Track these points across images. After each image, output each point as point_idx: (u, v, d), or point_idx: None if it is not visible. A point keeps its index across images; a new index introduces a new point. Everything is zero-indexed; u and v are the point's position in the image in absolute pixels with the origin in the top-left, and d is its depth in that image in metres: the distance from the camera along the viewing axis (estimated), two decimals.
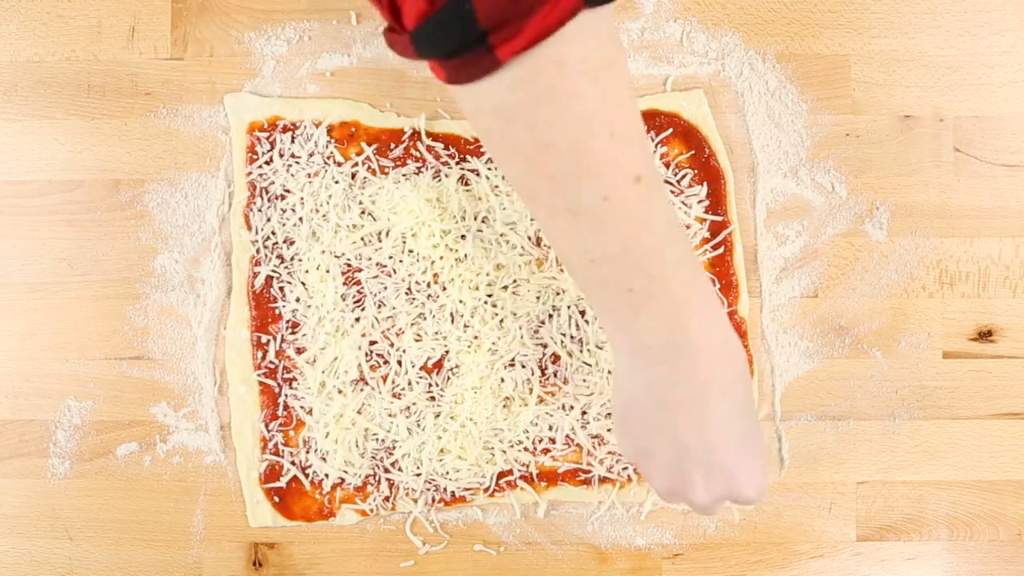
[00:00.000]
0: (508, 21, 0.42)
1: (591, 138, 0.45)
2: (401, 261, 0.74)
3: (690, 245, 0.53)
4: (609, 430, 0.74)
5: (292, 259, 0.75)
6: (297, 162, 0.75)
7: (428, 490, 0.74)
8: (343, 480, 0.74)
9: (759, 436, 0.57)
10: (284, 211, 0.75)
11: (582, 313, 0.74)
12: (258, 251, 0.75)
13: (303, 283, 0.75)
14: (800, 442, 0.75)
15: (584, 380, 0.74)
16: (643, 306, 0.51)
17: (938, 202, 0.76)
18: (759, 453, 0.56)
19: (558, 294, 0.74)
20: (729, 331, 0.54)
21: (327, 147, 0.75)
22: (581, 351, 0.74)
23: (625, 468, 0.74)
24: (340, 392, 0.74)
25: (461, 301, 0.74)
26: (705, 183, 0.75)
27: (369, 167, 0.75)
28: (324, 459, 0.74)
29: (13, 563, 0.76)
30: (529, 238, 0.74)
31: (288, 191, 0.75)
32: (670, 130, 0.75)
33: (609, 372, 0.74)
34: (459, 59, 0.44)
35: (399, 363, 0.74)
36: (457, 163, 0.75)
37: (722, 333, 0.54)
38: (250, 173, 0.75)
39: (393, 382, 0.74)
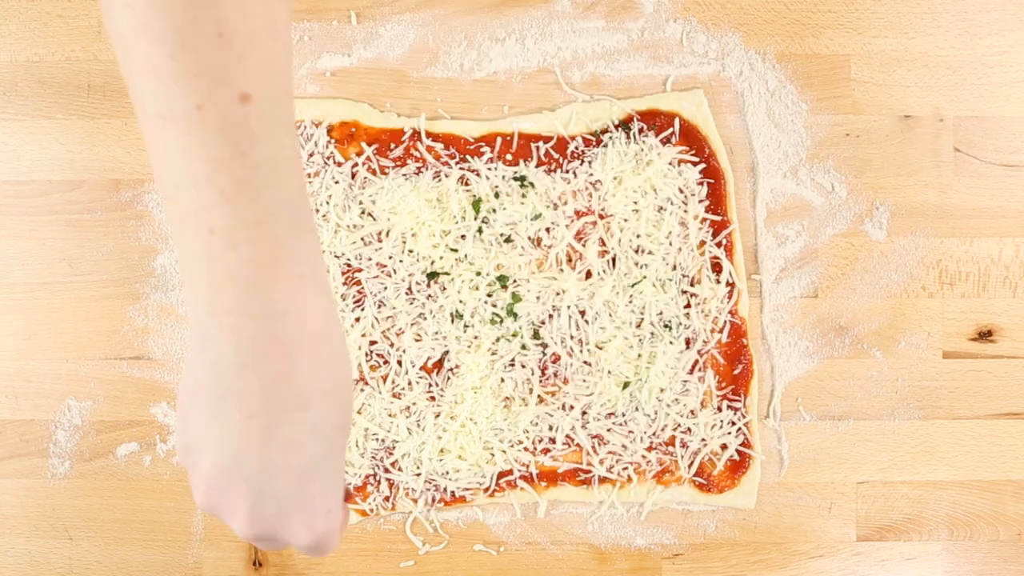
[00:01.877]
0: None
1: (194, 31, 0.38)
2: (401, 261, 0.74)
3: (307, 203, 0.43)
4: (609, 430, 0.74)
5: None
6: None
7: (428, 490, 0.74)
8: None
9: (336, 471, 0.45)
10: None
11: (582, 313, 0.74)
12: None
13: None
14: (800, 442, 0.75)
15: (584, 380, 0.74)
16: (221, 256, 0.40)
17: (938, 202, 0.76)
18: (328, 492, 0.44)
19: (558, 294, 0.74)
20: (333, 326, 0.43)
21: (327, 147, 0.75)
22: (581, 351, 0.74)
23: (625, 468, 0.74)
24: None
25: (461, 301, 0.74)
26: (705, 183, 0.75)
27: (369, 167, 0.75)
28: None
29: (13, 563, 0.76)
30: (529, 238, 0.74)
31: None
32: (670, 130, 0.75)
33: (609, 372, 0.74)
34: None
35: (399, 363, 0.74)
36: (457, 163, 0.75)
37: (321, 322, 0.42)
38: None
39: (393, 382, 0.74)
